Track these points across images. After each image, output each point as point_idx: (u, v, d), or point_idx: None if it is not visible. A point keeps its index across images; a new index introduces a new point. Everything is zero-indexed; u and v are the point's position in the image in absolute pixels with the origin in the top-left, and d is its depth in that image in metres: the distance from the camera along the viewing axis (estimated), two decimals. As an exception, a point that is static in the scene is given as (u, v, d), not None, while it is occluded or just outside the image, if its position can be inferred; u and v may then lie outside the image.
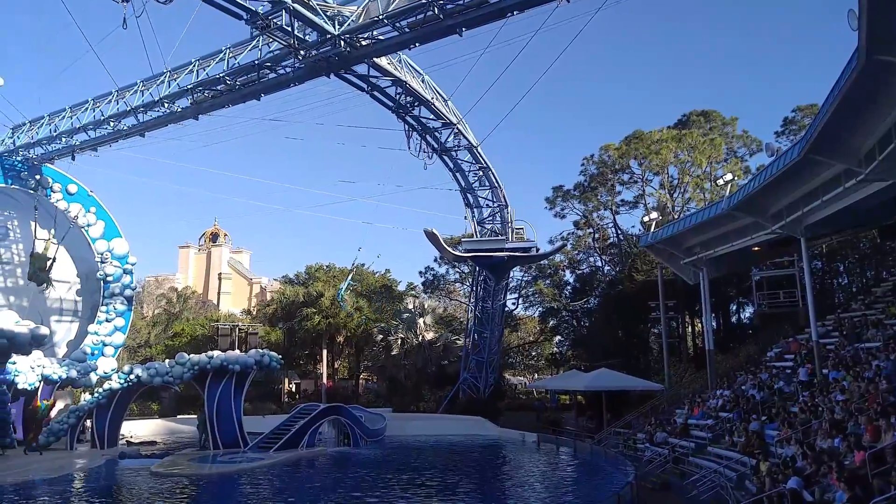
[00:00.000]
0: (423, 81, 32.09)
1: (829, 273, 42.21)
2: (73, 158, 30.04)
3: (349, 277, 46.17)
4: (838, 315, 29.05)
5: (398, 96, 31.38)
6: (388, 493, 18.41)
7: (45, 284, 29.66)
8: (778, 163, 21.78)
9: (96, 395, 27.65)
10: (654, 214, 36.64)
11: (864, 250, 39.35)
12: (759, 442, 18.93)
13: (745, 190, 25.24)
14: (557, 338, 58.78)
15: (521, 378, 67.70)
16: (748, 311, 46.23)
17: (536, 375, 66.08)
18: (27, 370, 27.25)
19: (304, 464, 24.92)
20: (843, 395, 17.66)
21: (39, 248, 29.05)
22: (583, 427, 34.93)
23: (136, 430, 33.31)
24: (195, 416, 30.56)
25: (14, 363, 25.68)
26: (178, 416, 37.67)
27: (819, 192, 21.65)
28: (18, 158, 30.44)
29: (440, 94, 33.96)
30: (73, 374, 29.65)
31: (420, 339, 56.45)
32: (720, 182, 31.31)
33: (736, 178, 34.33)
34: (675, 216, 42.02)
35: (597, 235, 52.77)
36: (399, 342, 57.06)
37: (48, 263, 28.67)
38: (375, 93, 30.45)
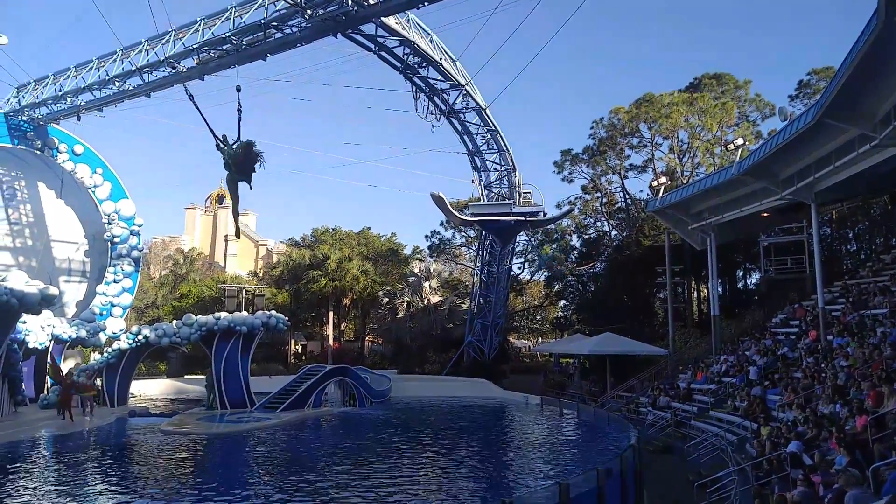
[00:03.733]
0: (431, 42, 31.58)
1: (838, 239, 41.88)
2: (79, 119, 29.87)
3: None
4: (845, 282, 28.93)
5: (406, 57, 30.91)
6: (393, 453, 18.71)
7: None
8: (791, 127, 21.45)
9: (106, 354, 28.06)
10: (662, 179, 36.37)
11: (874, 217, 38.95)
12: (760, 406, 19.08)
13: (756, 154, 24.92)
14: (563, 302, 58.94)
15: (526, 342, 68.19)
16: (755, 277, 46.07)
17: (541, 339, 66.49)
18: (37, 329, 27.63)
19: (311, 424, 25.30)
20: (846, 361, 17.69)
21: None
22: (586, 391, 35.27)
23: (145, 389, 33.91)
24: (203, 377, 30.99)
25: (24, 322, 26.00)
26: (186, 377, 38.21)
27: (832, 157, 21.37)
28: (24, 118, 30.31)
29: (448, 55, 33.44)
30: (83, 333, 30.03)
31: (425, 302, 56.81)
32: (731, 147, 30.92)
33: (747, 143, 33.86)
34: (684, 181, 41.64)
35: (604, 200, 52.42)
36: (405, 305, 57.40)
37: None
38: (383, 53, 30.01)
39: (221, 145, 18.41)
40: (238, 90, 19.19)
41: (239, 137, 18.41)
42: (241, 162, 18.23)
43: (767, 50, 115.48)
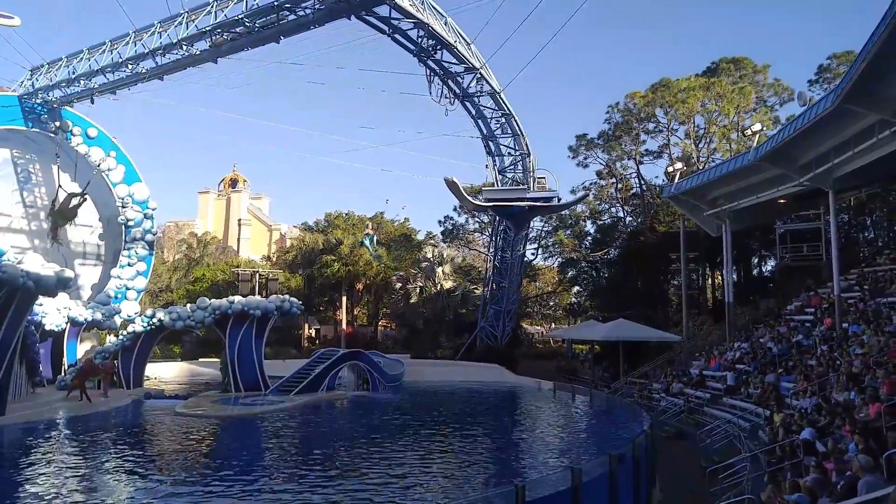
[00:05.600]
0: (445, 24, 31.33)
1: (856, 227, 41.35)
2: (93, 102, 29.98)
3: (371, 238, 45.88)
4: (862, 269, 28.59)
5: (420, 39, 30.71)
6: (406, 436, 18.81)
7: (53, 236, 30.88)
8: (810, 112, 21.10)
9: (121, 337, 28.38)
10: (678, 165, 36.00)
11: (893, 204, 38.38)
12: (774, 393, 18.96)
13: (773, 140, 24.57)
14: (576, 288, 58.78)
15: (539, 327, 68.18)
16: (770, 264, 45.70)
17: (553, 325, 66.46)
18: (54, 312, 28.00)
19: (324, 407, 25.49)
20: (861, 348, 17.51)
21: (63, 200, 29.86)
22: (599, 377, 35.25)
23: (160, 372, 34.30)
24: (217, 360, 31.26)
25: (41, 305, 26.33)
26: (200, 360, 38.59)
27: (851, 143, 21.01)
28: (38, 101, 30.47)
29: (463, 38, 33.16)
30: (98, 316, 30.38)
31: (438, 287, 56.91)
32: (748, 132, 30.48)
33: (765, 129, 33.39)
34: (700, 167, 41.20)
35: (619, 185, 52.05)
36: (417, 290, 57.55)
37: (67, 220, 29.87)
38: (397, 35, 29.83)
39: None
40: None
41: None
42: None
43: (787, 34, 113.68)
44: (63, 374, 27.44)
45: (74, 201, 30.63)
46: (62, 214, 30.71)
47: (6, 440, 17.54)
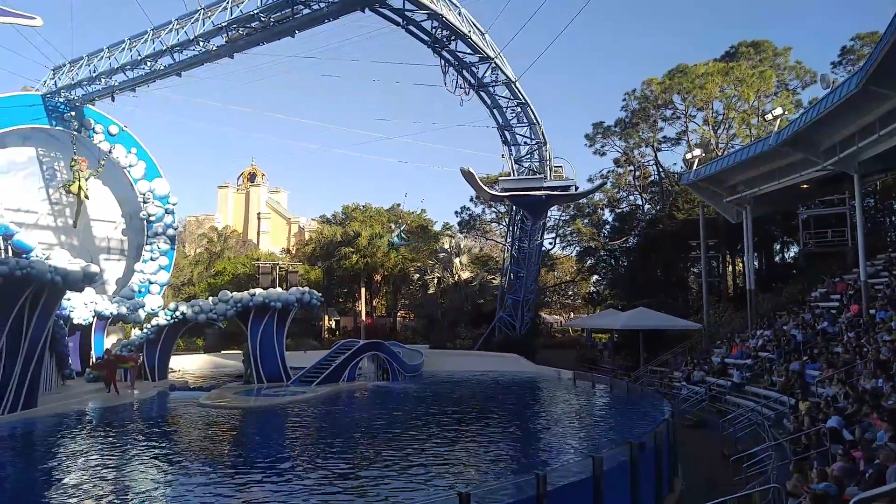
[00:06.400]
0: (459, 14, 31.19)
1: (882, 211, 40.66)
2: (113, 99, 30.31)
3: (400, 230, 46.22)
4: (889, 254, 28.13)
5: (434, 30, 30.62)
6: (426, 425, 18.94)
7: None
8: (833, 95, 20.75)
9: (145, 330, 28.81)
10: (696, 151, 35.62)
11: (920, 187, 37.67)
12: (799, 381, 18.78)
13: (795, 124, 24.20)
14: (595, 277, 58.55)
15: (557, 317, 68.04)
16: (792, 251, 45.10)
17: (572, 314, 66.30)
18: (81, 306, 28.48)
19: (345, 397, 25.72)
20: (889, 335, 17.26)
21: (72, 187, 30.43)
22: (619, 365, 35.14)
23: (184, 364, 34.79)
24: (239, 352, 31.64)
25: (69, 300, 26.80)
26: (223, 352, 39.04)
27: (876, 125, 20.65)
28: (61, 100, 30.87)
29: (477, 28, 33.01)
30: (123, 310, 30.84)
31: (456, 278, 56.98)
32: (769, 117, 30.04)
33: (786, 113, 32.88)
34: (719, 153, 40.72)
35: (637, 173, 51.65)
36: (435, 281, 57.69)
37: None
38: (411, 27, 29.77)
39: None
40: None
41: None
42: None
43: (809, 15, 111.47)
44: (91, 366, 27.94)
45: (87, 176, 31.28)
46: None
47: (39, 431, 17.95)
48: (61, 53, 34.20)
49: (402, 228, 45.88)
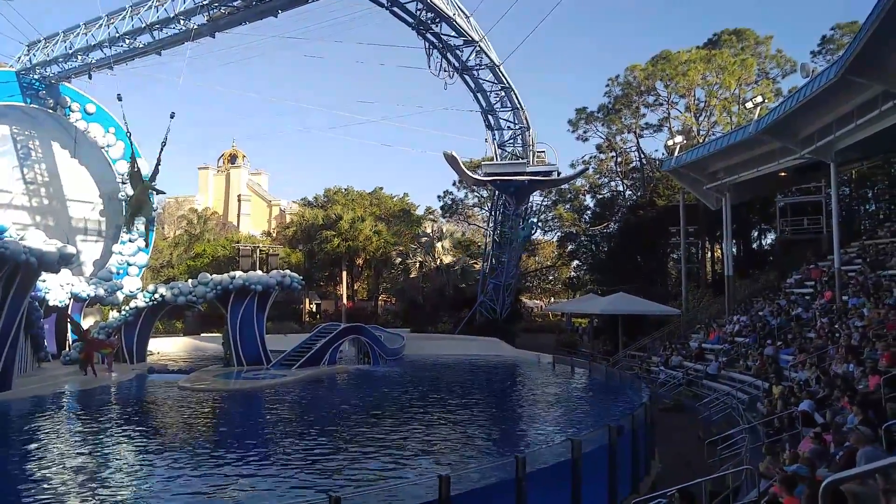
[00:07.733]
0: (443, -4, 30.91)
1: (857, 199, 41.32)
2: (90, 77, 29.75)
3: None
4: (863, 242, 28.63)
5: (419, 12, 30.35)
6: (407, 408, 19.03)
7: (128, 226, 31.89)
8: (812, 84, 20.95)
9: (123, 312, 28.52)
10: (678, 138, 35.86)
11: (894, 176, 38.29)
12: (773, 366, 19.14)
13: (775, 113, 24.44)
14: (575, 262, 58.93)
15: (538, 301, 68.45)
16: (769, 238, 45.74)
17: (553, 299, 66.75)
18: (57, 288, 28.11)
19: (326, 380, 25.73)
20: (861, 321, 17.62)
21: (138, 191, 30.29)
22: (598, 350, 35.50)
23: (163, 347, 34.52)
24: (219, 335, 31.47)
25: (44, 281, 26.41)
26: (202, 335, 38.81)
27: (853, 115, 20.91)
28: (35, 77, 30.20)
29: (462, 11, 32.77)
30: (101, 292, 30.49)
31: (438, 262, 56.97)
32: (749, 105, 30.28)
33: (766, 101, 33.15)
34: (700, 140, 41.02)
35: (619, 159, 51.86)
36: (417, 265, 57.65)
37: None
38: (395, 8, 29.48)
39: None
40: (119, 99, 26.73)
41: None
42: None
43: (790, 4, 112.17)
44: (67, 349, 27.64)
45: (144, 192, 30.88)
46: (137, 205, 30.86)
47: (14, 413, 17.75)
48: (36, 29, 33.37)
49: (531, 221, 44.39)
